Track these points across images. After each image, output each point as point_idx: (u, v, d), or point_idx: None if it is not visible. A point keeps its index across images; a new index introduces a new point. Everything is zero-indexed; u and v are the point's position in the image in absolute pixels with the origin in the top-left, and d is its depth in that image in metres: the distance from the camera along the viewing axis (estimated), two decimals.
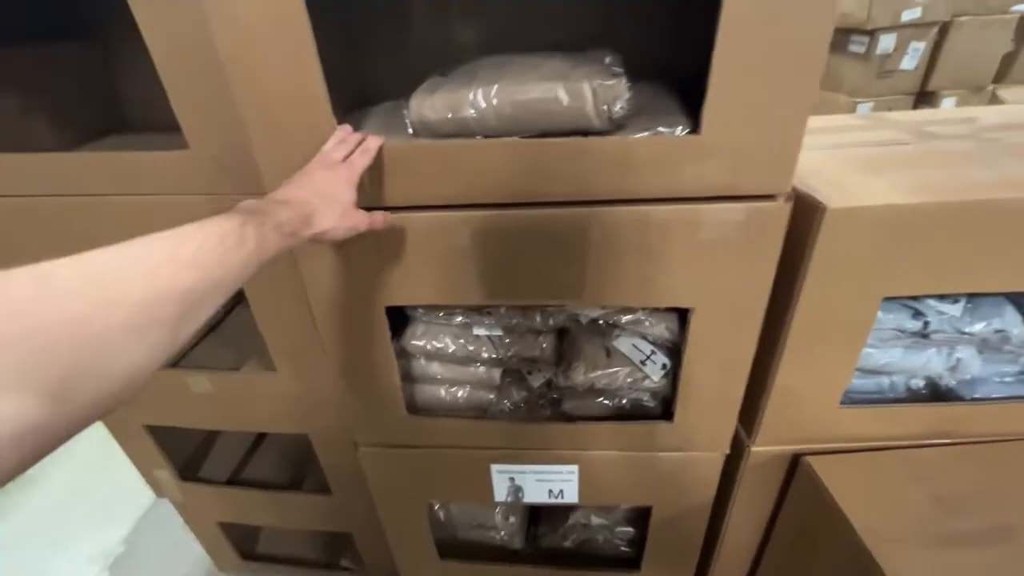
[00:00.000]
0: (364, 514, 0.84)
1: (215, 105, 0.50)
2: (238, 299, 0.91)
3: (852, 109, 2.20)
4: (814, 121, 0.79)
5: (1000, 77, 2.25)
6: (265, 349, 0.69)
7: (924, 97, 2.23)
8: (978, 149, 0.59)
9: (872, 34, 2.06)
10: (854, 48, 2.16)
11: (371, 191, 0.49)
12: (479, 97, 0.47)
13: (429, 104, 0.49)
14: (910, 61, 2.11)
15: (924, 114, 0.74)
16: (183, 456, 0.92)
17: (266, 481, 0.96)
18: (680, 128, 0.46)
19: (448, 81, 0.50)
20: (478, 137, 0.49)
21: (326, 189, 0.41)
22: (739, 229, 0.48)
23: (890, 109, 2.21)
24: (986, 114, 0.73)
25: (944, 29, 2.07)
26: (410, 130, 0.51)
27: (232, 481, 0.95)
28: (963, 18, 2.05)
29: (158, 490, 0.93)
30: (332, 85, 0.46)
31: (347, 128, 0.48)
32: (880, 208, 0.47)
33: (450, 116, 0.48)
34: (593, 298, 0.54)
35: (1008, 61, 2.23)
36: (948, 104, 2.19)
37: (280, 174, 0.43)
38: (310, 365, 0.69)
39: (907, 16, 2.00)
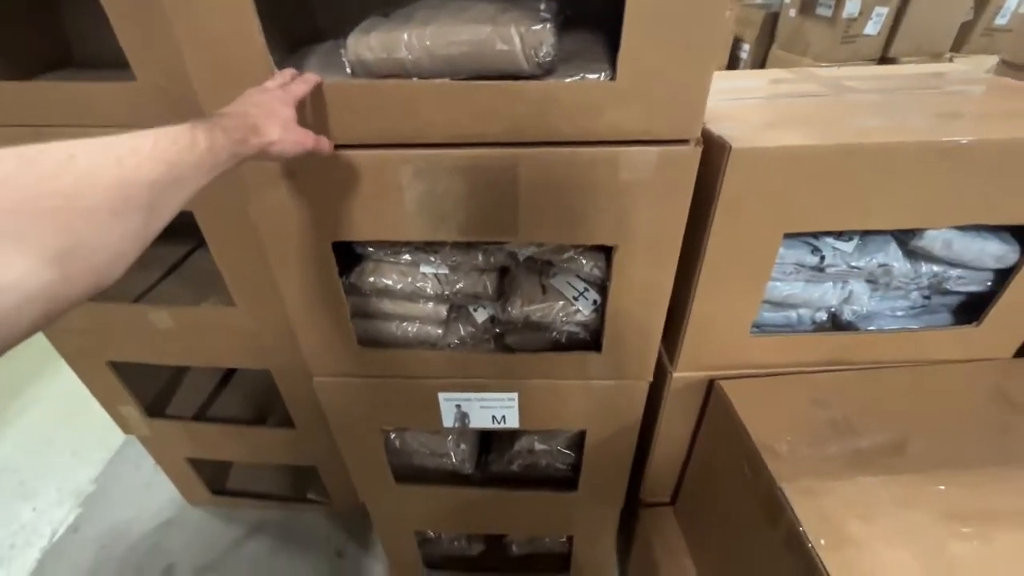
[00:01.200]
0: (327, 447, 0.90)
1: (160, 36, 0.52)
2: (197, 242, 0.93)
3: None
4: (751, 75, 0.83)
5: (958, 46, 2.32)
6: (224, 286, 0.72)
7: (885, 63, 2.28)
8: (884, 101, 0.64)
9: None
10: (821, 11, 2.19)
11: (313, 127, 0.52)
12: (413, 38, 0.50)
13: (365, 43, 0.51)
14: (873, 26, 2.15)
15: (850, 71, 0.79)
16: (150, 393, 0.96)
17: (232, 417, 1.01)
18: (603, 75, 0.50)
19: (385, 22, 0.53)
20: (413, 79, 0.52)
21: (264, 103, 0.43)
22: (654, 171, 0.53)
23: None
24: (903, 71, 0.78)
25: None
26: (348, 69, 0.53)
27: (198, 417, 0.99)
28: None
29: (125, 427, 0.97)
30: (277, 24, 0.48)
31: (287, 71, 0.50)
32: (778, 149, 0.52)
33: (385, 56, 0.51)
34: (526, 235, 0.59)
35: (966, 30, 2.29)
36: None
37: (220, 106, 0.46)
38: (268, 300, 0.72)
39: None
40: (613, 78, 0.49)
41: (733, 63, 2.65)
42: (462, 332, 0.73)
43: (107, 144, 0.28)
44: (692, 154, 0.52)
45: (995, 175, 0.55)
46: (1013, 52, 0.75)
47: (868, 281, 0.64)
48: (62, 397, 1.45)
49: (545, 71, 0.51)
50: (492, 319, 0.73)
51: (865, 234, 0.62)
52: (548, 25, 0.49)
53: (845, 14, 2.11)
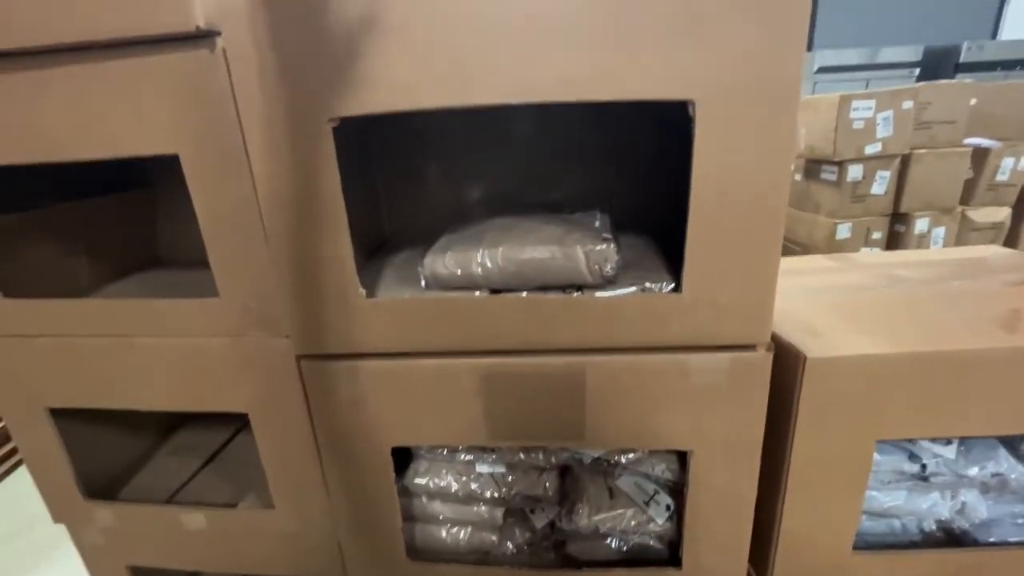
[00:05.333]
0: None
1: (247, 260, 0.56)
2: (238, 427, 0.92)
3: (832, 229, 2.35)
4: (789, 263, 0.85)
5: (966, 199, 2.43)
6: (265, 484, 0.69)
7: (898, 217, 2.39)
8: (942, 294, 0.64)
9: (841, 164, 2.27)
10: (826, 176, 2.37)
11: (391, 339, 0.53)
12: (486, 258, 0.53)
13: (441, 262, 0.55)
14: (879, 187, 2.29)
15: (887, 257, 0.81)
16: None
17: None
18: (664, 284, 0.52)
19: (458, 240, 0.57)
20: (484, 290, 0.54)
21: None
22: (725, 376, 0.51)
23: (868, 230, 2.35)
24: (942, 257, 0.79)
25: (906, 160, 2.28)
26: (423, 283, 0.56)
27: None
28: (920, 151, 2.26)
29: None
30: (356, 234, 0.52)
31: None
32: (857, 358, 0.51)
33: (459, 273, 0.54)
34: (593, 440, 0.56)
35: (971, 185, 2.42)
36: (921, 224, 2.33)
37: (309, 326, 0.48)
38: (312, 503, 0.68)
39: (869, 150, 2.22)
40: (677, 289, 0.50)
41: None
42: (519, 539, 0.66)
43: None
44: (763, 360, 0.51)
45: None
46: None
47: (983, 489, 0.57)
48: None
49: (607, 282, 0.54)
50: (551, 525, 0.66)
51: (964, 438, 0.57)
52: (611, 244, 0.52)
53: (849, 178, 2.27)
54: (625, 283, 0.54)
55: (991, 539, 0.60)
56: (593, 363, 0.52)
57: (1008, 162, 2.37)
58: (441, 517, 0.65)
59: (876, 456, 0.53)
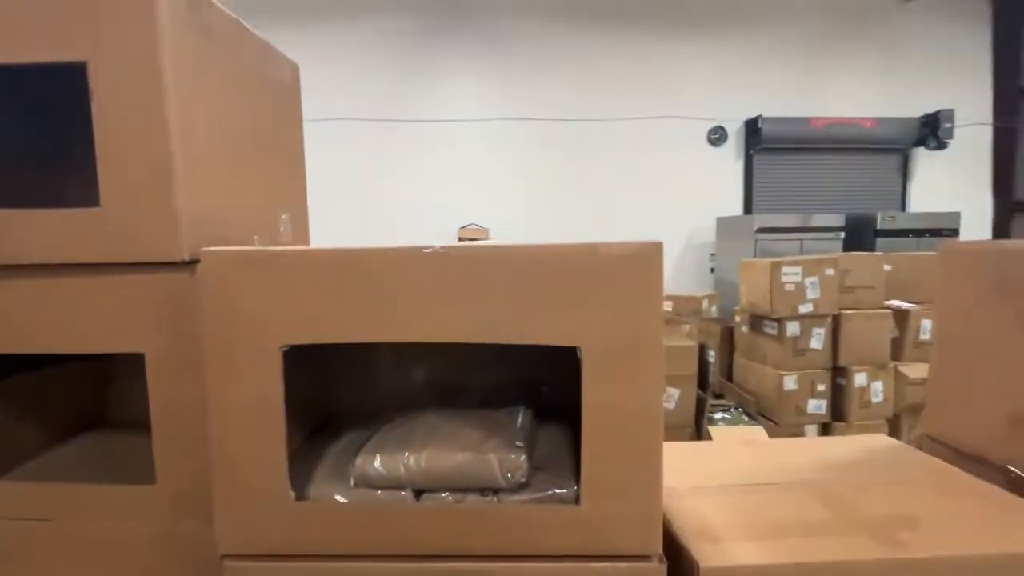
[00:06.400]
0: None
1: (189, 455, 0.61)
2: None
3: (779, 380, 2.48)
4: (707, 447, 0.92)
5: (897, 355, 2.64)
6: None
7: (839, 371, 2.56)
8: (833, 495, 0.71)
9: (779, 321, 2.47)
10: (768, 330, 2.57)
11: (318, 543, 0.56)
12: (411, 461, 0.59)
13: (371, 463, 0.60)
14: (816, 342, 2.49)
15: (799, 444, 0.89)
16: None
17: None
18: (568, 490, 0.57)
19: (388, 440, 0.63)
20: (409, 491, 0.59)
21: None
22: None
23: (812, 382, 2.50)
24: (851, 450, 0.86)
25: (837, 319, 2.51)
26: (352, 481, 0.61)
27: None
28: (848, 311, 2.51)
29: None
30: (299, 411, 0.57)
31: None
32: (746, 567, 0.55)
33: (386, 473, 0.59)
34: None
35: (899, 342, 2.64)
36: (860, 378, 2.49)
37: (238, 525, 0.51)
38: None
39: (802, 309, 2.44)
40: (577, 502, 0.56)
41: (703, 366, 2.95)
42: None
43: None
44: (657, 570, 0.55)
45: None
46: (933, 426, 0.87)
47: None
48: None
49: (518, 486, 0.59)
50: None
51: None
52: (521, 456, 0.59)
53: (788, 333, 2.47)
54: (537, 485, 0.59)
55: None
56: (503, 570, 0.56)
57: (927, 323, 2.61)
58: None
59: None
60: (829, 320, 2.51)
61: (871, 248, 3.66)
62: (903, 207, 4.65)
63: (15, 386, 0.79)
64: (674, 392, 2.49)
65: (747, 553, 0.58)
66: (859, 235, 4.13)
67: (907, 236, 4.03)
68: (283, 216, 0.82)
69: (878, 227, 4.05)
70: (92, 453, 0.84)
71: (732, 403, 2.57)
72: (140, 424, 0.65)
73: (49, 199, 0.63)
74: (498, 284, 0.53)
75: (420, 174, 4.47)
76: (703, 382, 2.59)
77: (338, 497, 0.59)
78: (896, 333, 2.60)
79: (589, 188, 4.51)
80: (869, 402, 2.48)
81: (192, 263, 0.59)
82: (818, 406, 2.48)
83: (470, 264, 0.54)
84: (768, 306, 2.45)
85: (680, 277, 4.58)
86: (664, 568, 0.55)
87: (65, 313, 0.62)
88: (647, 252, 0.53)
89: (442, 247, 0.53)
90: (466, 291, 0.53)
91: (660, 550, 0.55)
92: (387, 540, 0.57)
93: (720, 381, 2.79)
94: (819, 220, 4.19)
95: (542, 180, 4.51)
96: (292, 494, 0.57)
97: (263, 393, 0.55)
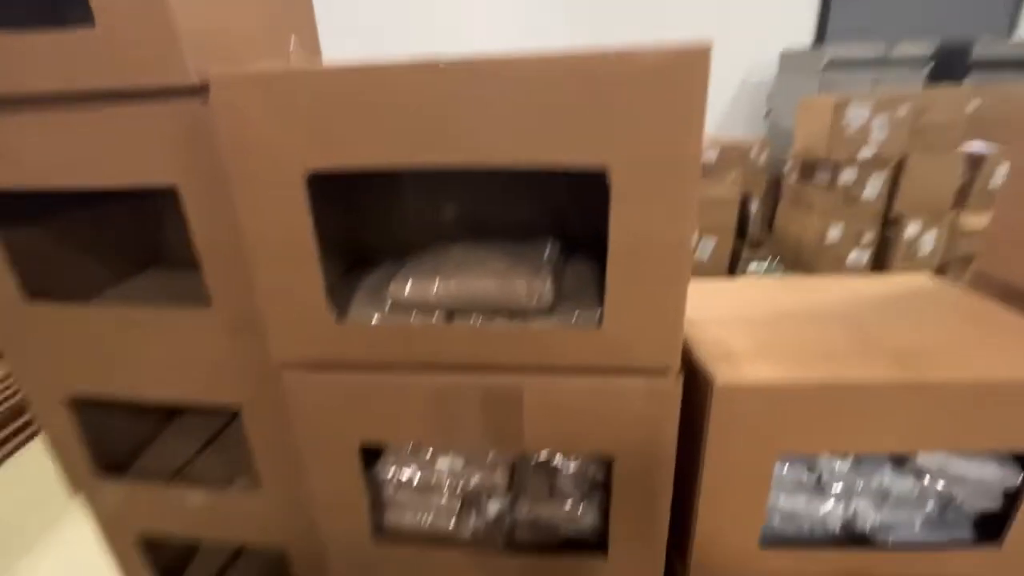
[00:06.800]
0: None
1: (236, 278, 0.65)
2: (230, 416, 1.02)
3: (824, 231, 2.39)
4: (734, 285, 0.92)
5: (960, 203, 2.45)
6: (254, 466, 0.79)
7: (890, 222, 2.42)
8: (853, 325, 0.70)
9: (835, 166, 2.29)
10: (820, 178, 2.39)
11: (358, 355, 0.62)
12: (442, 287, 0.61)
13: (404, 289, 0.63)
14: (871, 191, 2.32)
15: (826, 283, 0.87)
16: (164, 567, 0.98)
17: None
18: (592, 315, 0.59)
19: (420, 269, 0.65)
20: (441, 314, 0.62)
21: None
22: (642, 396, 0.59)
23: (859, 232, 2.39)
24: (874, 286, 0.85)
25: (900, 164, 2.30)
26: (388, 305, 0.64)
27: None
28: (915, 155, 2.28)
29: None
30: (338, 253, 0.59)
31: None
32: (761, 384, 0.58)
33: (420, 299, 0.62)
34: (530, 447, 0.64)
35: (965, 190, 2.43)
36: (912, 229, 2.36)
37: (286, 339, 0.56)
38: (292, 488, 0.78)
39: (863, 153, 2.24)
40: (600, 325, 0.58)
41: (743, 218, 2.84)
42: (473, 525, 0.75)
43: None
44: (674, 383, 0.59)
45: (970, 410, 0.58)
46: (987, 262, 0.83)
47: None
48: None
49: (547, 310, 0.61)
50: (502, 514, 0.75)
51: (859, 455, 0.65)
52: (547, 281, 0.60)
53: (842, 182, 2.30)
54: (562, 311, 0.61)
55: (889, 538, 0.68)
56: (529, 382, 0.60)
57: (1004, 168, 2.37)
58: (405, 502, 0.75)
59: (781, 466, 0.61)
60: (891, 165, 2.30)
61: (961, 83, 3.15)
62: (1010, 32, 3.90)
63: (72, 223, 0.84)
64: (710, 242, 2.45)
65: (762, 372, 0.60)
66: (948, 68, 3.54)
67: (1008, 69, 3.44)
68: (292, 38, 0.75)
69: (973, 58, 3.44)
70: (151, 288, 0.91)
71: (769, 254, 2.52)
72: (196, 263, 0.69)
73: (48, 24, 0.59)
74: (522, 98, 0.49)
75: None
76: (742, 233, 2.53)
77: (375, 319, 0.63)
78: (964, 180, 2.38)
79: (632, 13, 3.92)
80: (915, 254, 2.37)
81: (204, 89, 0.56)
82: (858, 257, 2.39)
83: (490, 76, 0.49)
84: (825, 150, 2.25)
85: (730, 121, 4.18)
86: (680, 382, 0.58)
87: (85, 147, 0.62)
88: (690, 60, 0.46)
89: (457, 60, 0.48)
90: (489, 108, 0.49)
91: (678, 367, 0.58)
92: (421, 354, 0.61)
93: (760, 232, 2.70)
94: (902, 50, 3.59)
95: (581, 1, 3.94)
96: (332, 316, 0.61)
97: (292, 221, 0.56)
